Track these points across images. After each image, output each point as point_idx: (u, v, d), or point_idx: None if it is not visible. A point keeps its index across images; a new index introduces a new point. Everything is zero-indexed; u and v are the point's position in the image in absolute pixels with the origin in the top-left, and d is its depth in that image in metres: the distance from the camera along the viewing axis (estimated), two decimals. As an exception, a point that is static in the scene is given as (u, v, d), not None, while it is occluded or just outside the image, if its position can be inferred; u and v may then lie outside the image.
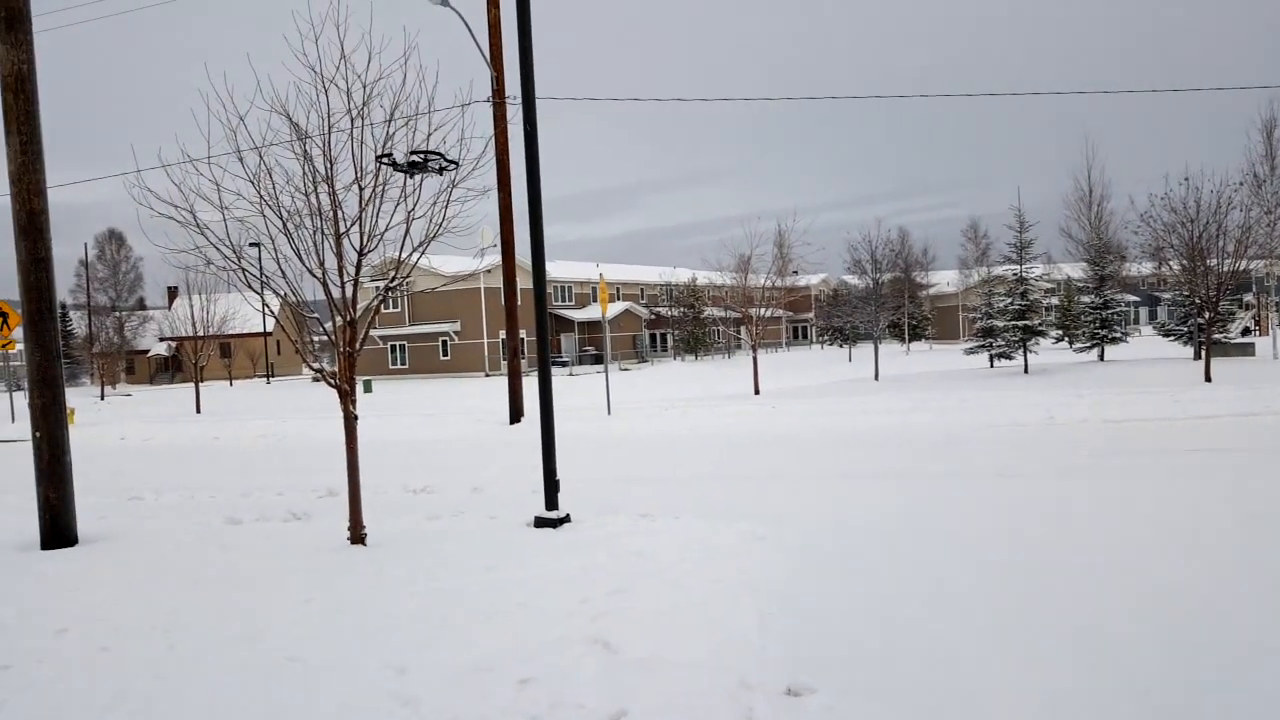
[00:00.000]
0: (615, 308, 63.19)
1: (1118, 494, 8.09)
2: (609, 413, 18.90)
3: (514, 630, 4.83)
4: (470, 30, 16.45)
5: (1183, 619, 4.66)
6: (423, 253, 7.36)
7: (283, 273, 7.18)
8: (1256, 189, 32.74)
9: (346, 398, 7.07)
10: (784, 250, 35.44)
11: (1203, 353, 23.76)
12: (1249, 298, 50.46)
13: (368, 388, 40.77)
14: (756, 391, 25.44)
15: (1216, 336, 28.00)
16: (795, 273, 41.40)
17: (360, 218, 7.04)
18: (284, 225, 7.01)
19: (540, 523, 7.44)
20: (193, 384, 33.12)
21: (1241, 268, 25.02)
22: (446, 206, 7.30)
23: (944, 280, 73.65)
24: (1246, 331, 43.29)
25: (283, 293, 7.30)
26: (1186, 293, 26.27)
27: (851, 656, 4.36)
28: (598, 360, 59.02)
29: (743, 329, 28.94)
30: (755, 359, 26.88)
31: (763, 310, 28.06)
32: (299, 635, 4.93)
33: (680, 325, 65.56)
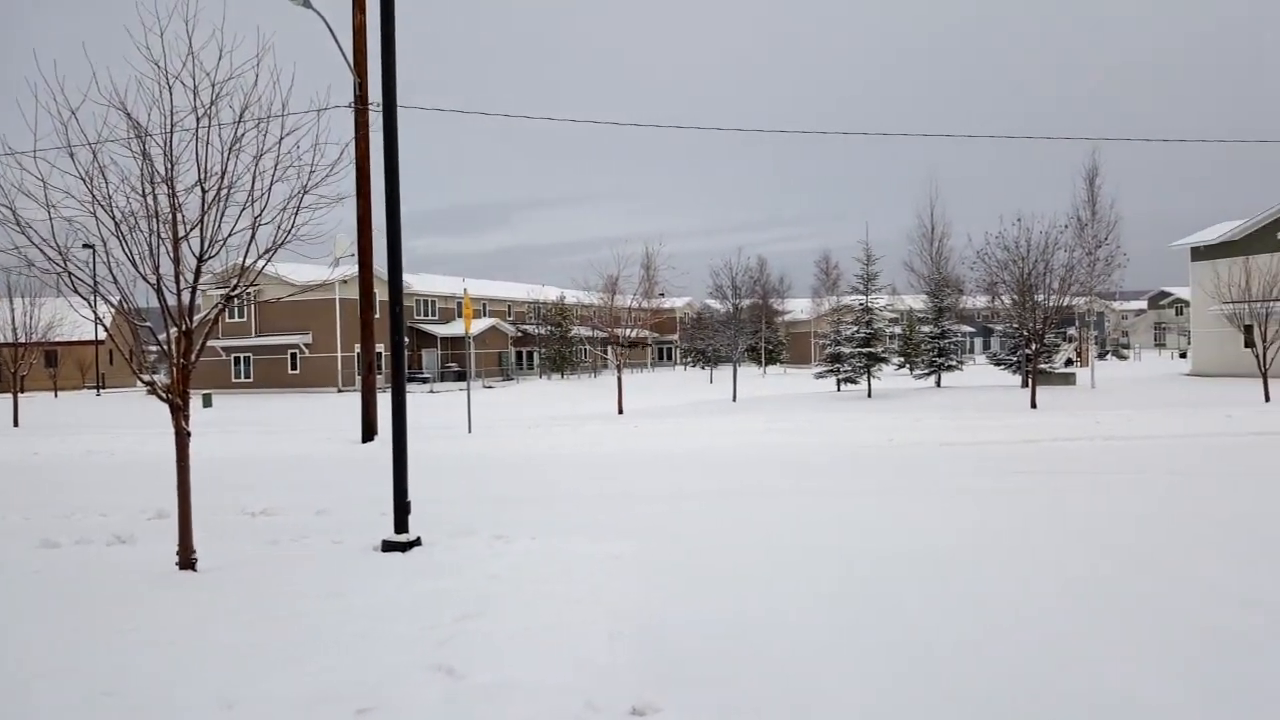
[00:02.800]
0: (481, 324, 62.32)
1: (948, 511, 8.56)
2: (470, 431, 18.58)
3: (355, 659, 4.64)
4: (333, 33, 15.95)
5: (1004, 626, 4.95)
6: (269, 260, 7.04)
7: (114, 278, 6.71)
8: (1080, 232, 35.74)
9: (179, 412, 6.64)
10: (651, 273, 35.93)
11: (1029, 381, 25.56)
12: (1072, 331, 54.76)
13: (207, 402, 38.57)
14: (620, 411, 25.60)
15: (1042, 366, 30.24)
16: (661, 295, 42.06)
17: (202, 221, 6.67)
18: (117, 227, 6.57)
19: (389, 546, 7.19)
20: (10, 395, 30.38)
21: (1065, 303, 27.15)
22: (297, 212, 7.01)
23: (798, 308, 76.54)
24: (1069, 362, 46.80)
25: (115, 299, 6.82)
26: (1016, 325, 28.22)
27: (699, 674, 4.42)
28: (461, 377, 57.94)
29: (609, 349, 29.08)
30: (620, 379, 27.06)
31: (629, 331, 28.33)
32: (117, 668, 4.56)
33: (547, 344, 65.31)
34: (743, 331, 42.13)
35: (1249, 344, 26.51)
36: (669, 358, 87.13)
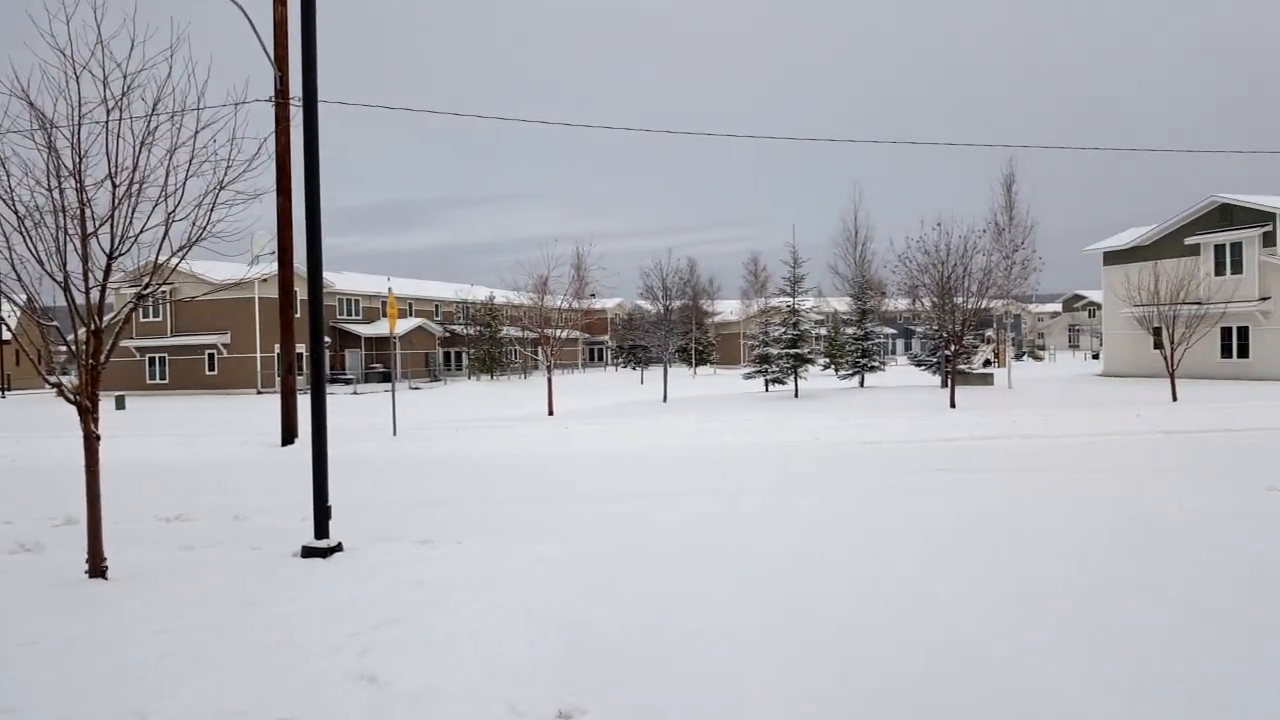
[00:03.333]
0: (406, 324, 61.33)
1: (874, 509, 8.75)
2: (395, 434, 18.27)
3: (274, 669, 4.53)
4: (253, 25, 15.52)
5: (923, 616, 5.09)
6: (183, 258, 6.83)
7: (18, 275, 6.42)
8: (997, 236, 36.91)
9: (88, 415, 6.39)
10: (581, 273, 35.88)
11: (949, 382, 26.29)
12: (990, 333, 56.49)
13: (120, 404, 37.15)
14: (551, 413, 25.48)
15: (961, 367, 31.13)
16: (593, 295, 42.01)
17: (112, 217, 6.42)
18: (21, 222, 6.29)
19: (309, 552, 7.03)
20: (-98, 396, 28.79)
21: (983, 306, 28.00)
22: (213, 209, 6.81)
23: (728, 309, 77.30)
24: (987, 363, 48.29)
25: (21, 298, 6.52)
26: (936, 327, 28.99)
27: (625, 675, 4.43)
28: (386, 378, 56.94)
29: (539, 349, 28.92)
30: (550, 380, 26.94)
31: (559, 331, 28.22)
32: (19, 682, 4.37)
33: (476, 344, 64.60)
34: (673, 332, 42.37)
35: (1158, 345, 27.69)
36: (600, 358, 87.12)
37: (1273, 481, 9.66)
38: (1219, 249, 34.56)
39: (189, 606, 5.66)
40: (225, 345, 49.92)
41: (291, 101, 15.64)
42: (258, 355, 49.58)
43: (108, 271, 6.47)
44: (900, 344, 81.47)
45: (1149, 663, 4.46)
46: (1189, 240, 35.47)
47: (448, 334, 66.18)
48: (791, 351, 33.86)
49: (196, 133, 6.71)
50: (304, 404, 15.46)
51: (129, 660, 4.68)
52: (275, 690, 4.24)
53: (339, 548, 7.15)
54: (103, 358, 6.48)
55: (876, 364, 38.74)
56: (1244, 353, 33.70)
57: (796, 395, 32.08)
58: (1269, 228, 32.76)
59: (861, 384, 38.08)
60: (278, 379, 40.04)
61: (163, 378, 51.11)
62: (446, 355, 67.59)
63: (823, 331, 51.04)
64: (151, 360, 51.19)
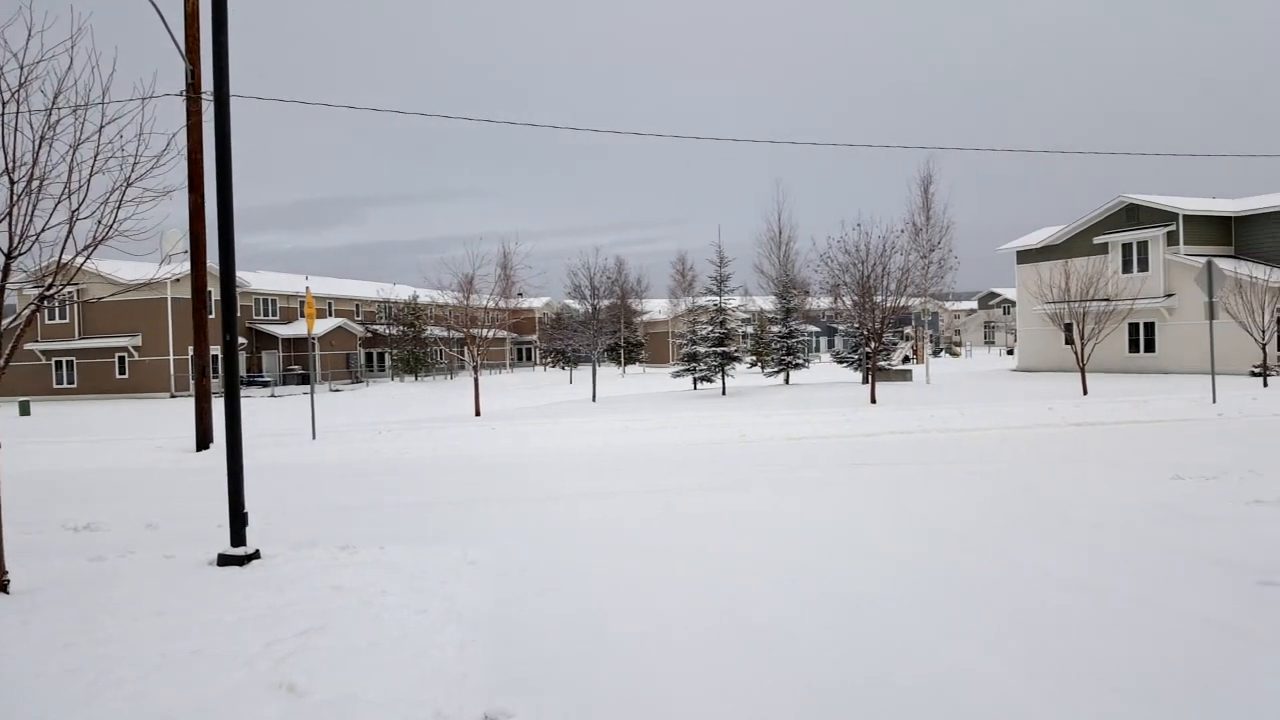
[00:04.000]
0: (326, 324, 60.01)
1: (799, 504, 8.90)
2: (314, 437, 17.87)
3: (188, 680, 4.38)
4: (161, 16, 14.99)
5: (852, 614, 5.20)
6: (89, 257, 6.56)
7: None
8: (915, 236, 37.91)
9: (-15, 423, 6.10)
10: (508, 272, 35.58)
11: (870, 378, 26.91)
12: (908, 330, 57.97)
13: (24, 410, 35.49)
14: (478, 414, 25.23)
15: (881, 364, 31.90)
16: (520, 295, 41.70)
17: (11, 215, 6.14)
18: (-91, 220, 5.97)
19: (225, 560, 6.83)
20: None
21: (902, 304, 28.75)
22: (120, 206, 6.56)
23: (656, 308, 77.67)
24: (906, 360, 49.59)
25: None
26: (857, 325, 29.64)
27: (553, 677, 4.42)
28: (305, 380, 55.58)
29: (465, 349, 28.58)
30: (477, 380, 26.67)
31: (486, 331, 27.95)
32: (-93, 708, 4.14)
33: (400, 344, 63.54)
34: (602, 331, 42.39)
35: (1069, 341, 28.77)
36: (528, 358, 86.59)
37: (1178, 471, 10.09)
38: (1126, 248, 36.11)
39: (98, 618, 5.44)
40: (136, 348, 48.10)
41: (203, 96, 15.16)
42: (171, 358, 47.92)
43: (6, 271, 6.17)
44: (824, 341, 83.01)
45: (1047, 640, 4.65)
46: (1098, 239, 36.98)
47: (369, 334, 64.99)
48: (719, 350, 34.22)
49: (102, 127, 6.46)
50: (219, 408, 15.02)
51: (33, 675, 4.48)
52: (190, 702, 4.11)
53: (256, 555, 6.96)
54: (3, 362, 6.18)
55: (801, 361, 39.44)
56: (1151, 347, 35.28)
57: (724, 393, 32.42)
58: (1172, 227, 34.36)
59: (787, 381, 38.71)
60: (192, 382, 38.83)
61: (70, 382, 49.00)
62: (369, 356, 66.34)
63: (749, 330, 51.63)
64: (58, 364, 49.04)
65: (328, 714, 4.00)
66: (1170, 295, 34.23)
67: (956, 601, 5.48)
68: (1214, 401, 19.73)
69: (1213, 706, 3.93)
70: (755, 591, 5.83)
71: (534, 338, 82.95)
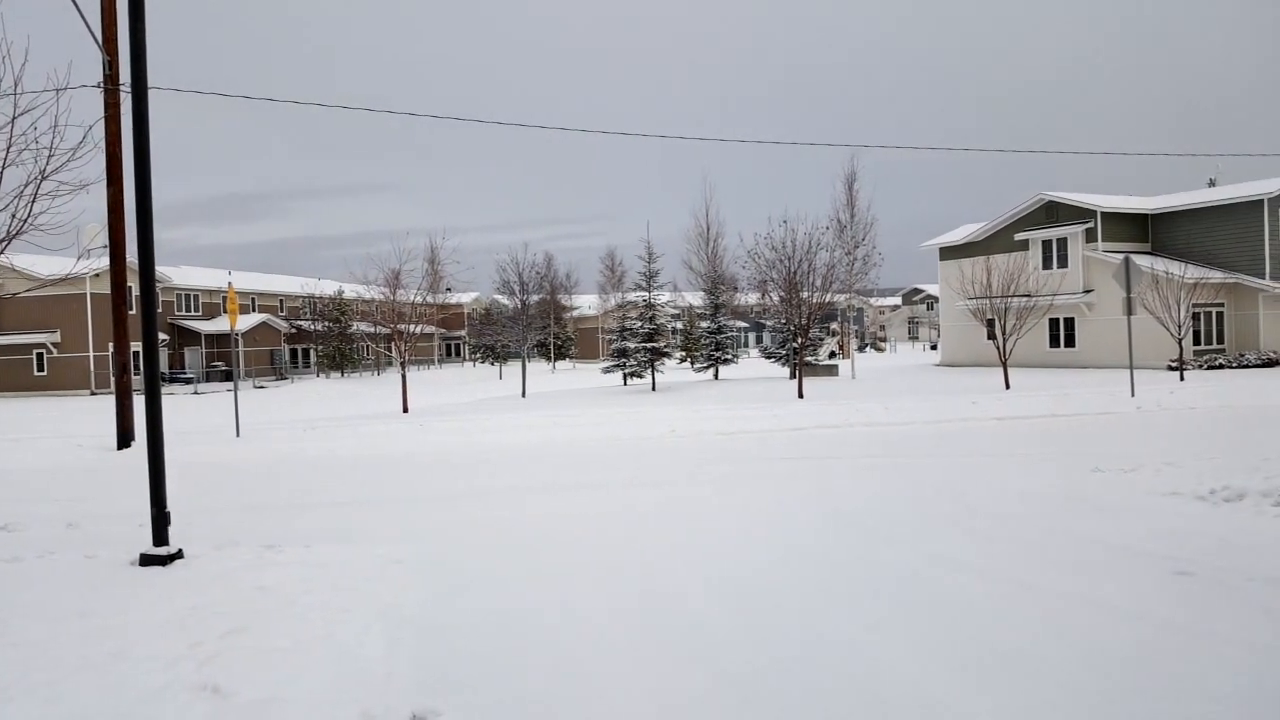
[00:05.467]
0: (249, 320, 58.50)
1: (731, 500, 9.10)
2: (238, 435, 17.50)
3: (108, 682, 4.34)
4: (78, 7, 14.48)
5: (769, 603, 5.39)
6: (3, 251, 6.40)
7: None
8: (840, 233, 38.65)
9: (-111, 424, 5.89)
10: (436, 267, 35.21)
11: (797, 373, 27.44)
12: (834, 326, 59.11)
13: (-75, 408, 33.82)
14: (405, 410, 24.97)
15: (808, 359, 32.55)
16: (448, 290, 41.26)
17: (-85, 209, 5.95)
18: None
19: (147, 560, 6.71)
20: None
21: (828, 300, 29.34)
22: (35, 200, 6.41)
23: (586, 304, 77.58)
24: (832, 355, 50.54)
25: None
26: (784, 320, 30.17)
27: (481, 675, 4.46)
28: (228, 377, 54.10)
29: (393, 345, 28.21)
30: (404, 376, 26.38)
31: (413, 327, 27.64)
32: None
33: (325, 340, 62.22)
34: (531, 327, 42.23)
35: (991, 336, 29.72)
36: (457, 354, 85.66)
37: (1098, 464, 10.41)
38: (1046, 244, 37.38)
39: (15, 620, 5.32)
40: (55, 344, 46.29)
41: (121, 88, 14.70)
42: (90, 354, 46.23)
43: (-90, 268, 5.99)
44: (752, 337, 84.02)
45: (976, 633, 4.90)
46: (1019, 236, 38.22)
47: (294, 330, 63.52)
48: (648, 345, 34.46)
49: (14, 119, 6.31)
50: (140, 405, 14.60)
51: (-58, 685, 4.38)
52: (111, 705, 4.08)
53: (179, 555, 6.86)
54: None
55: (730, 356, 39.98)
56: (1071, 342, 36.60)
57: (654, 388, 32.67)
58: (1091, 224, 35.67)
59: (716, 376, 39.18)
60: (113, 379, 37.46)
61: (-17, 380, 46.87)
62: (293, 352, 64.86)
63: (679, 325, 52.01)
64: (-32, 361, 46.85)
65: (253, 715, 4.00)
66: (1089, 291, 35.53)
67: (864, 589, 5.71)
68: (1133, 395, 20.09)
69: (1132, 694, 4.08)
70: (683, 588, 5.93)
71: (463, 333, 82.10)
